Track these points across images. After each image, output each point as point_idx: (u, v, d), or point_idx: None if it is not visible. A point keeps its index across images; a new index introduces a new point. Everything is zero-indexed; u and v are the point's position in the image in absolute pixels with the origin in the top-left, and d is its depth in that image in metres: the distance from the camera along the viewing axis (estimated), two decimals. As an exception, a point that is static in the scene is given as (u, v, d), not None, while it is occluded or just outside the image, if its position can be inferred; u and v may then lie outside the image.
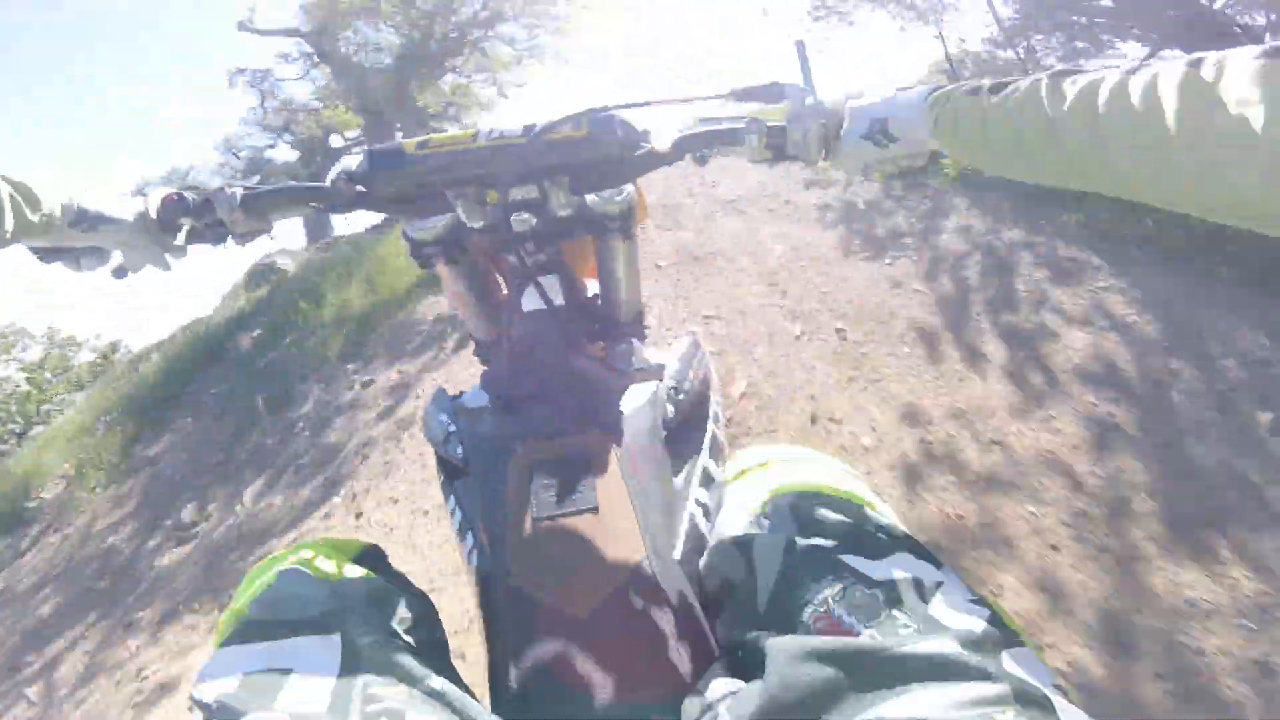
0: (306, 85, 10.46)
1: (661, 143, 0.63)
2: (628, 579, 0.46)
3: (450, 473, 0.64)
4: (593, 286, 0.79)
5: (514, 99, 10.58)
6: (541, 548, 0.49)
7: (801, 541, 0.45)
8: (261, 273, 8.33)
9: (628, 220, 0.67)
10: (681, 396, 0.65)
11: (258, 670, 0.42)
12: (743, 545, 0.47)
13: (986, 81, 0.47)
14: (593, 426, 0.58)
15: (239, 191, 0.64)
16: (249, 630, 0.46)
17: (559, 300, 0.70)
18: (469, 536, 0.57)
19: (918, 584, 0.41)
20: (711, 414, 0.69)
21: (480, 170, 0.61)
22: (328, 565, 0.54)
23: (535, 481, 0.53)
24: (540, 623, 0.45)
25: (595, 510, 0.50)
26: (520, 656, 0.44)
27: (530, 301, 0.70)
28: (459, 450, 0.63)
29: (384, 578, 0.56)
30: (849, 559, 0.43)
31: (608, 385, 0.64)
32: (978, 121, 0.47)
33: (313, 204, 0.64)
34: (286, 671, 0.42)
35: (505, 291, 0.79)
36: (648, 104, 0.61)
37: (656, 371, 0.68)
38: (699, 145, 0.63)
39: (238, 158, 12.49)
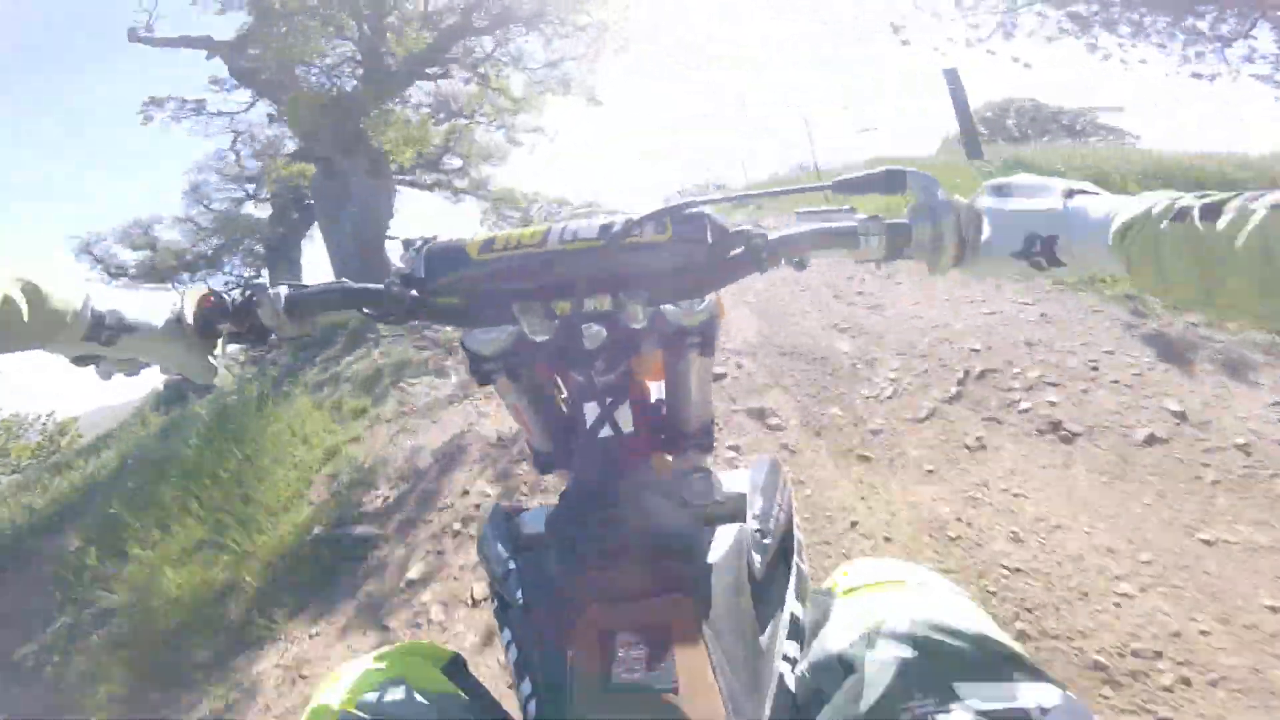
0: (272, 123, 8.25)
1: (757, 245, 0.55)
2: None
3: (506, 604, 0.59)
4: (657, 389, 0.72)
5: (530, 147, 8.07)
6: None
7: (913, 664, 0.43)
8: (176, 391, 6.05)
9: (709, 333, 0.61)
10: (768, 540, 0.57)
11: None
12: (848, 663, 0.46)
13: (1193, 202, 0.40)
14: (674, 590, 0.51)
15: (283, 291, 0.58)
16: None
17: (629, 428, 0.60)
18: (527, 683, 0.54)
19: (1027, 712, 0.39)
20: (796, 549, 0.61)
21: (550, 278, 0.55)
22: (423, 675, 0.54)
23: (607, 649, 0.48)
24: None
25: (674, 690, 0.45)
26: None
27: (597, 428, 0.61)
28: (519, 593, 0.58)
29: (470, 691, 0.56)
30: (961, 685, 0.41)
31: (690, 536, 0.56)
32: (1195, 257, 0.40)
33: (364, 309, 0.59)
34: None
35: (565, 396, 0.72)
36: (740, 199, 0.54)
37: (738, 505, 0.62)
38: (805, 247, 0.56)
39: (208, 209, 10.48)
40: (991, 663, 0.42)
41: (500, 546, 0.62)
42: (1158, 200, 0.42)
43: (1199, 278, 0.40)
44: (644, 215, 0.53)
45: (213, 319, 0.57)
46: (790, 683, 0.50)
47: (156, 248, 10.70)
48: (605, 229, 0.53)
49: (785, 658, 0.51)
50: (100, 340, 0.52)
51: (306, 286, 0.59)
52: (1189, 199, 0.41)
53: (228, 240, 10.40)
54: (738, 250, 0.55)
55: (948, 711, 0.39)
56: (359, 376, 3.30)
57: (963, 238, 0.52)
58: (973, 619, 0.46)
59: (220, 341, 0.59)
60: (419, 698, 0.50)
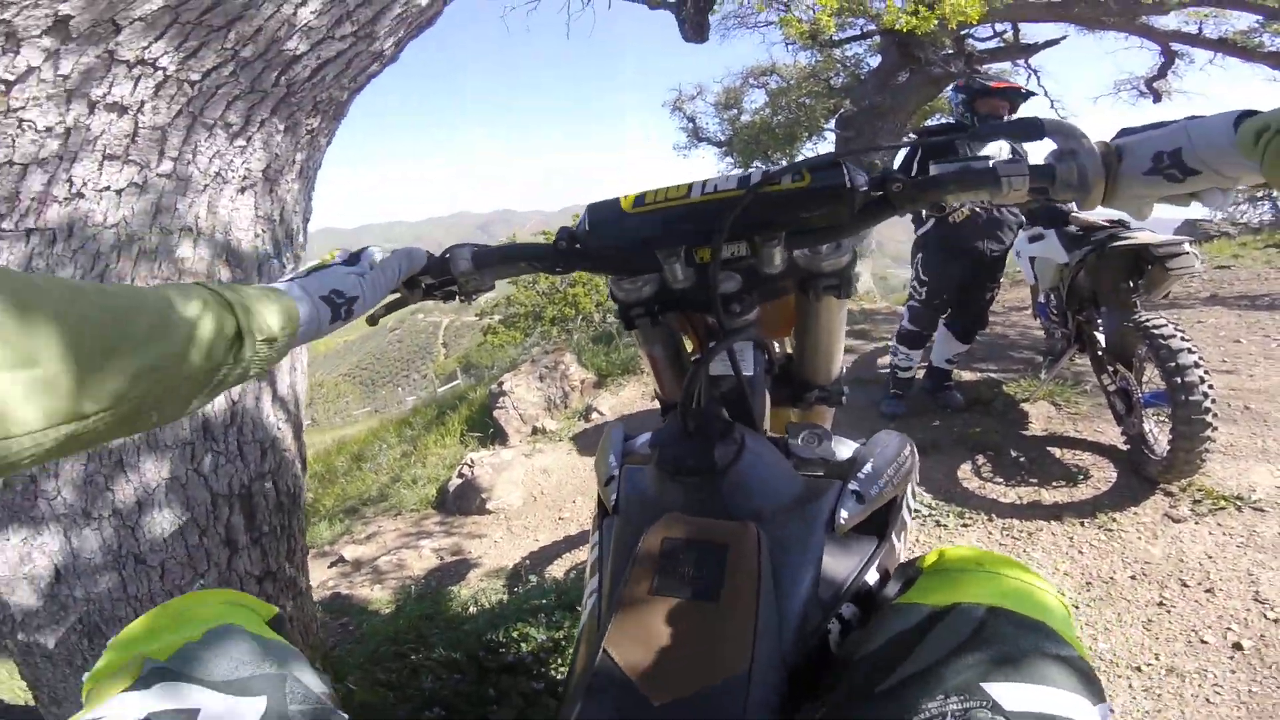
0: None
1: (893, 191, 0.57)
2: (720, 681, 0.44)
3: (604, 510, 0.66)
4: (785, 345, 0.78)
5: None
6: (647, 623, 0.48)
7: (959, 655, 0.42)
8: None
9: (845, 279, 0.64)
10: (862, 505, 0.59)
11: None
12: (900, 638, 0.46)
13: None
14: (746, 516, 0.55)
15: (470, 249, 0.68)
16: (155, 676, 0.46)
17: (748, 370, 0.66)
18: (595, 579, 0.59)
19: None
20: (895, 524, 0.61)
21: (692, 228, 0.60)
22: (251, 624, 0.53)
23: (666, 555, 0.52)
24: (619, 698, 0.45)
25: (715, 600, 0.48)
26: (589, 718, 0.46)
27: (719, 366, 0.67)
28: (614, 496, 0.64)
29: (294, 647, 0.57)
30: (993, 686, 0.40)
31: (777, 475, 0.59)
32: None
33: (536, 263, 0.67)
34: None
35: (693, 349, 0.79)
36: (876, 150, 0.64)
37: (841, 469, 0.64)
38: (944, 189, 0.56)
39: (788, 86, 10.82)
40: (1044, 665, 0.41)
41: (611, 457, 0.68)
42: None
43: None
44: (783, 165, 0.57)
45: (416, 275, 0.67)
46: (833, 640, 0.51)
47: (737, 122, 11.69)
48: (744, 180, 0.57)
49: (840, 617, 0.52)
50: (341, 321, 0.61)
51: (489, 246, 0.68)
52: None
53: (804, 119, 10.40)
54: (877, 195, 0.56)
55: (967, 715, 0.38)
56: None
57: (1110, 172, 0.53)
58: (1049, 618, 0.45)
59: (419, 292, 0.70)
60: (255, 649, 0.49)
